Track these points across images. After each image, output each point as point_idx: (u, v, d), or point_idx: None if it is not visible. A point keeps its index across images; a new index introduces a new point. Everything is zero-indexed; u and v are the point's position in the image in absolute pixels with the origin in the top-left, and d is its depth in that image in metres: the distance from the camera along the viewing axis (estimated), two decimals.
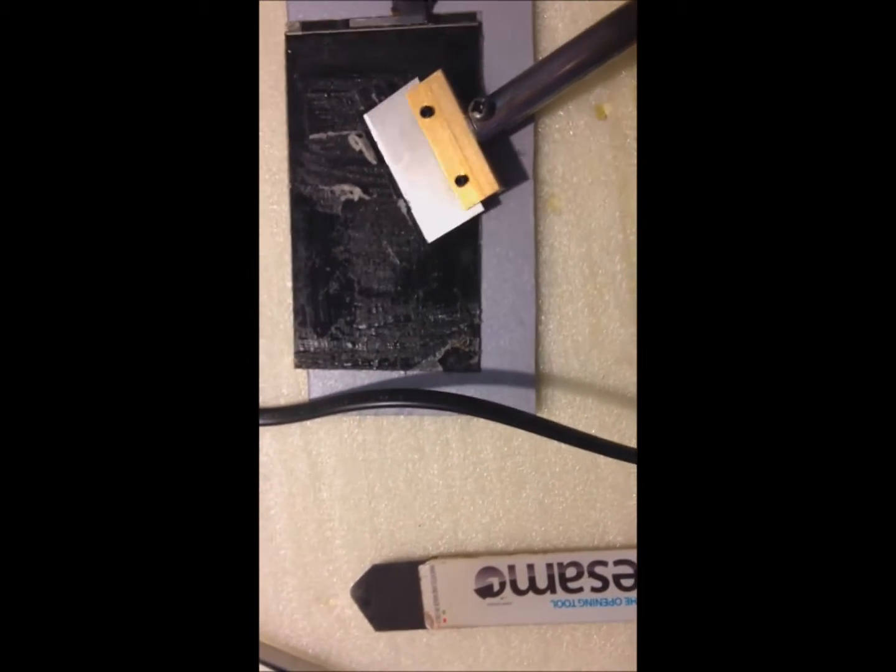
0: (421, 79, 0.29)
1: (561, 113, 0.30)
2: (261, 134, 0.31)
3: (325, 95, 0.30)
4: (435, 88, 0.29)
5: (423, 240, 0.30)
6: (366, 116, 0.30)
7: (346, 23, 0.29)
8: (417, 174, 0.30)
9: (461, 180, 0.29)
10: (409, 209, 0.30)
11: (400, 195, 0.30)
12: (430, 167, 0.29)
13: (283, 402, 0.33)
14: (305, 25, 0.30)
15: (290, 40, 0.30)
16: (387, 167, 0.30)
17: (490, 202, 0.30)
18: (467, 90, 0.29)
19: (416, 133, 0.29)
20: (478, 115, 0.28)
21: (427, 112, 0.29)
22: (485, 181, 0.29)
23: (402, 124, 0.29)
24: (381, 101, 0.30)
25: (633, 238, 0.31)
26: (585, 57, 0.27)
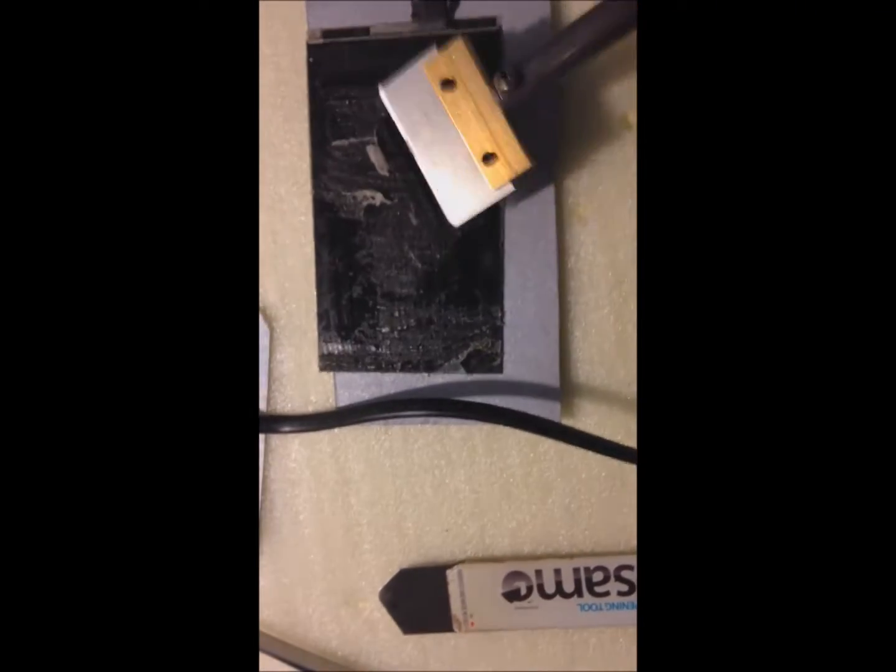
0: (439, 48, 0.27)
1: (585, 121, 0.31)
2: (287, 146, 0.32)
3: (347, 102, 0.30)
4: (456, 59, 0.27)
5: (446, 232, 0.30)
6: (380, 89, 0.28)
7: (366, 30, 0.30)
8: (439, 153, 0.28)
9: (488, 158, 0.27)
10: (429, 200, 0.30)
11: (421, 181, 0.29)
12: (454, 145, 0.28)
13: (311, 409, 0.33)
14: (326, 33, 0.30)
15: (312, 49, 0.30)
16: (405, 157, 0.29)
17: (516, 196, 0.29)
18: (490, 64, 0.28)
19: (436, 108, 0.28)
20: (504, 87, 0.27)
21: (448, 84, 0.27)
22: (514, 158, 0.27)
23: (421, 99, 0.28)
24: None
25: None
26: (618, 18, 0.25)
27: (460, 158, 0.28)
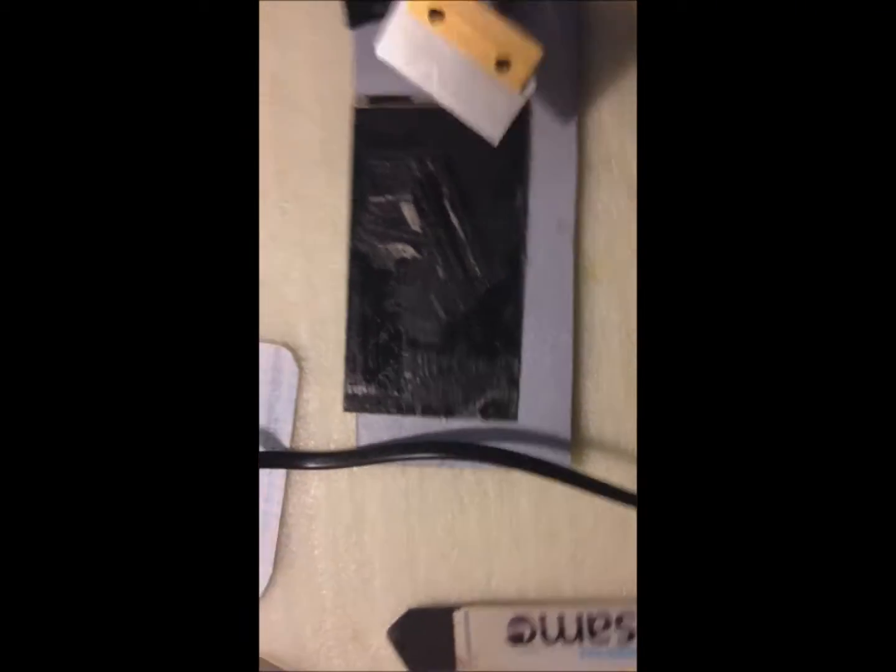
0: None
1: (603, 189, 0.33)
2: (328, 199, 0.34)
3: (386, 163, 0.33)
4: None
5: (471, 286, 0.33)
6: (378, 52, 0.28)
7: (407, 98, 0.32)
8: (455, 83, 0.28)
9: (502, 65, 0.27)
10: (457, 257, 0.33)
11: (450, 240, 0.32)
12: (465, 69, 0.27)
13: (332, 447, 0.35)
14: (372, 99, 0.33)
15: (358, 113, 0.33)
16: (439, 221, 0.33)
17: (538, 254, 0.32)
18: None
19: (434, 42, 0.27)
20: None
21: (435, 14, 0.27)
22: (525, 53, 0.27)
23: (416, 40, 0.27)
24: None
25: None
26: None
27: (477, 78, 0.27)
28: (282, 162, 0.34)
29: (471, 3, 0.27)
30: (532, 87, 0.28)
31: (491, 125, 0.28)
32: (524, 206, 0.32)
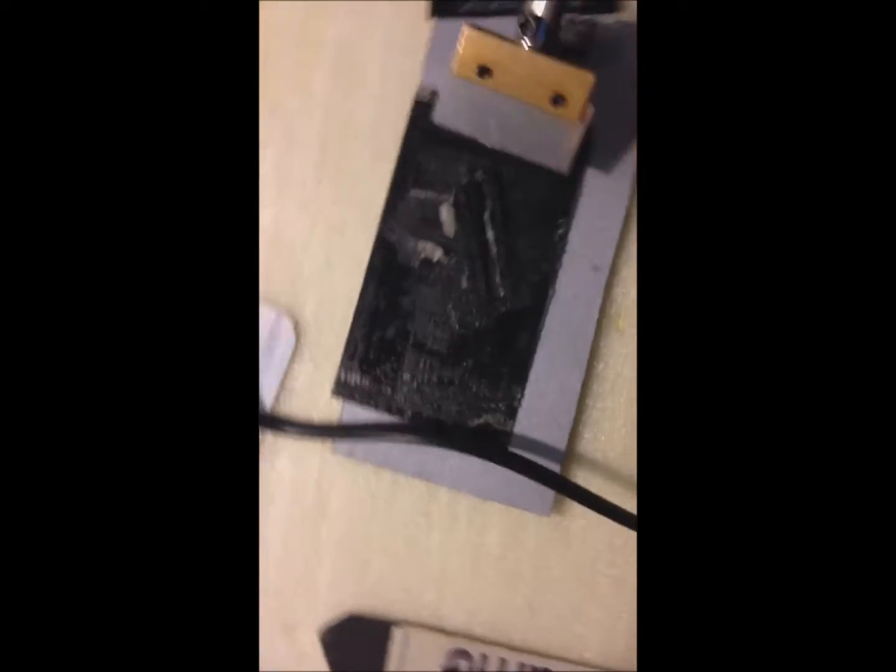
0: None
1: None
2: (367, 180, 0.33)
3: (435, 160, 0.31)
4: (475, 47, 0.27)
5: (491, 304, 0.31)
6: (435, 119, 0.29)
7: None
8: (514, 129, 0.28)
9: (558, 100, 0.27)
10: (484, 273, 0.31)
11: (481, 255, 0.31)
12: (522, 114, 0.28)
13: None
14: (435, 94, 0.31)
15: (418, 104, 0.32)
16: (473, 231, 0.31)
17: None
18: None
19: (487, 97, 0.28)
20: (529, 32, 0.27)
21: (484, 72, 0.27)
22: (578, 82, 0.27)
23: (471, 99, 0.28)
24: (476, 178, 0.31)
25: None
26: None
27: (535, 119, 0.28)
28: (329, 130, 0.33)
29: (515, 49, 0.27)
30: (591, 112, 0.28)
31: (557, 159, 0.29)
32: (563, 240, 0.31)
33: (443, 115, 0.29)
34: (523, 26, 0.28)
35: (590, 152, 0.31)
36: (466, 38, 0.27)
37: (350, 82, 0.33)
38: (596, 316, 0.31)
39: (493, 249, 0.31)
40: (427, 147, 0.31)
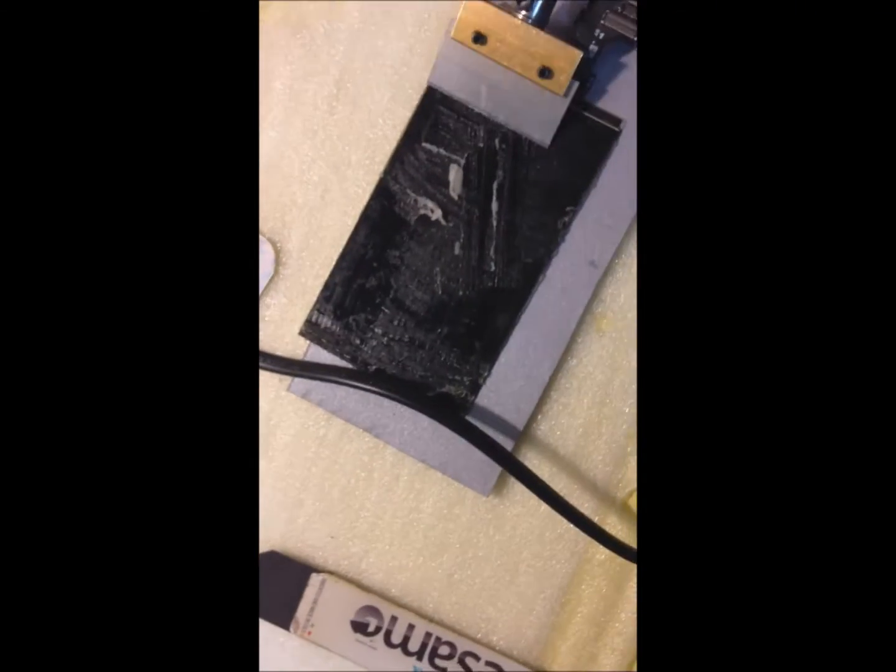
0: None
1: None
2: (381, 122, 0.31)
3: (455, 116, 0.30)
4: (474, 14, 0.28)
5: (478, 277, 0.31)
6: (429, 81, 0.30)
7: None
8: (501, 96, 0.29)
9: (544, 73, 0.28)
10: (480, 243, 0.30)
11: (481, 224, 0.30)
12: (510, 82, 0.29)
13: None
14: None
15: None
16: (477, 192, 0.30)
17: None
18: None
19: (480, 63, 0.29)
20: (524, 2, 0.28)
21: (479, 39, 0.29)
22: (565, 57, 0.28)
23: (466, 64, 0.29)
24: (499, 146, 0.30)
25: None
26: None
27: (522, 89, 0.29)
28: (352, 62, 0.31)
29: (511, 20, 0.28)
30: (574, 87, 0.29)
31: (540, 130, 0.30)
32: (566, 228, 0.30)
33: (437, 77, 0.30)
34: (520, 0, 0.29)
35: (613, 146, 0.30)
36: (466, 5, 0.28)
37: (384, 16, 0.31)
38: (580, 311, 0.31)
39: (495, 222, 0.30)
40: (450, 101, 0.30)
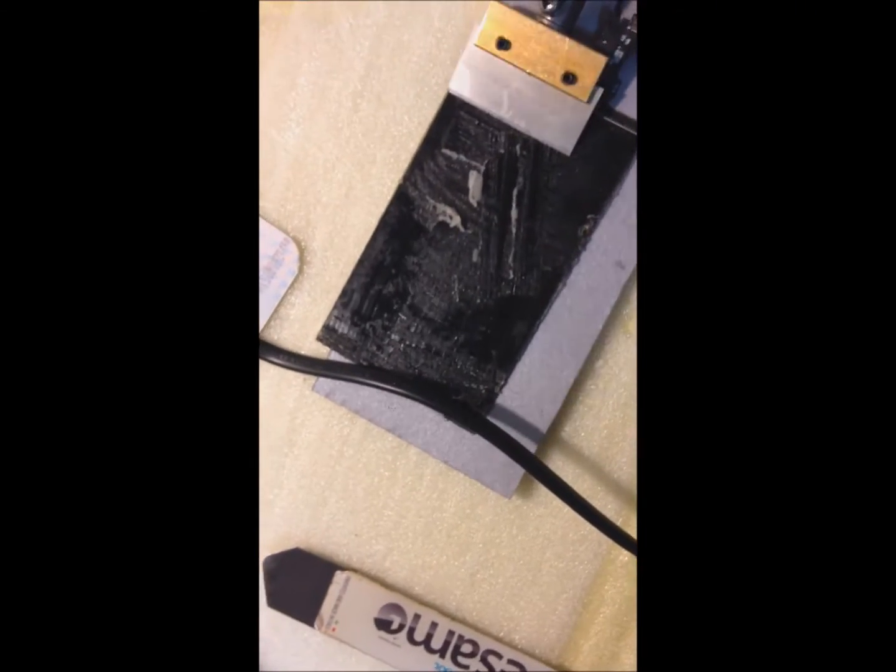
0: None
1: None
2: (405, 120, 0.31)
3: (476, 122, 0.30)
4: (498, 20, 0.28)
5: (496, 284, 0.30)
6: (450, 88, 0.29)
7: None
8: (523, 102, 0.29)
9: (568, 78, 0.28)
10: (498, 250, 0.30)
11: (500, 231, 0.30)
12: (533, 88, 0.29)
13: None
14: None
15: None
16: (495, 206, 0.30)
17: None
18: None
19: (503, 69, 0.29)
20: (549, 7, 0.28)
21: (503, 45, 0.28)
22: (589, 63, 0.28)
23: (488, 70, 0.29)
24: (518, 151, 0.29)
25: None
26: None
27: (545, 95, 0.29)
28: (378, 57, 0.31)
29: (535, 25, 0.28)
30: (598, 93, 0.28)
31: (562, 137, 0.29)
32: (587, 237, 0.30)
33: (458, 85, 0.29)
34: (546, 3, 0.28)
35: (635, 157, 0.29)
36: (492, 13, 0.28)
37: (410, 11, 0.30)
38: (608, 312, 0.30)
39: (514, 229, 0.30)
40: (470, 107, 0.30)
